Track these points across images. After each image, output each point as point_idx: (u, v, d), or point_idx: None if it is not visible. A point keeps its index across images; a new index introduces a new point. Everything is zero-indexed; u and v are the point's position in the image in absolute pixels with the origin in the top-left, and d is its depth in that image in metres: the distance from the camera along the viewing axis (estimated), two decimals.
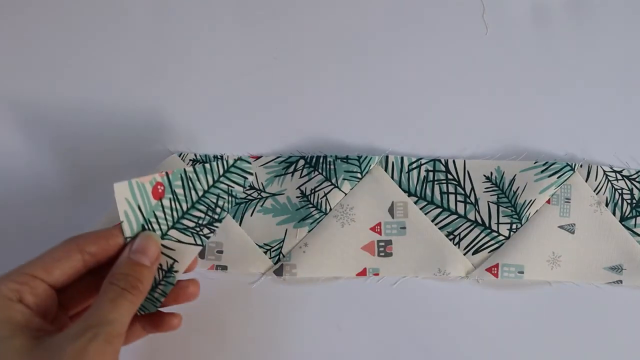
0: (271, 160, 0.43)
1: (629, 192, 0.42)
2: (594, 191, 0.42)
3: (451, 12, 0.45)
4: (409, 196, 0.42)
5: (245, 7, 0.45)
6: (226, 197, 0.36)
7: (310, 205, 0.41)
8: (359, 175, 0.42)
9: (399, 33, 0.45)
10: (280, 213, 0.42)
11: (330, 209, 0.41)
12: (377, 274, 0.41)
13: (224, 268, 0.41)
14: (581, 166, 0.42)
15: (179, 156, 0.42)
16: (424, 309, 0.41)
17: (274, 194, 0.42)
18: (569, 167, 0.42)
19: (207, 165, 0.36)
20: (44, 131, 0.43)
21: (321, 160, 0.42)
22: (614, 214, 0.42)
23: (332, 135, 0.43)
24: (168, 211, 0.35)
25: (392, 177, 0.42)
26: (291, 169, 0.42)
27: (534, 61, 0.44)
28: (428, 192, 0.42)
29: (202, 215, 0.35)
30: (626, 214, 0.42)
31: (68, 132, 0.43)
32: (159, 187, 0.35)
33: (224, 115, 0.44)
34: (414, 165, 0.42)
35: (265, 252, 0.41)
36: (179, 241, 0.35)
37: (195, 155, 0.42)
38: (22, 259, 0.31)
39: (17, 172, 0.42)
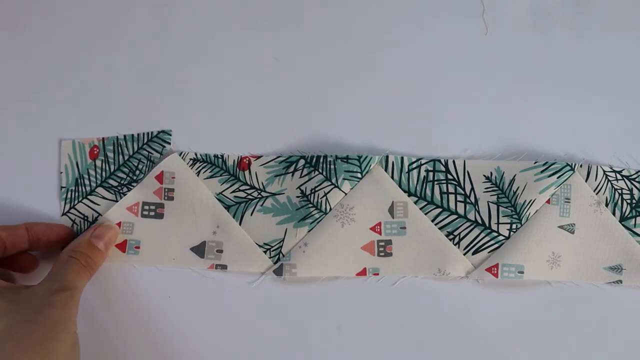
0: (271, 160, 0.43)
1: (628, 192, 0.42)
2: (594, 191, 0.42)
3: (451, 12, 0.45)
4: (409, 196, 0.42)
5: (245, 7, 0.45)
6: (145, 161, 0.42)
7: (310, 205, 0.41)
8: (359, 175, 0.42)
9: (398, 33, 0.45)
10: (280, 213, 0.42)
11: (330, 209, 0.41)
12: (377, 274, 0.41)
13: (224, 267, 0.41)
14: (581, 166, 0.42)
15: (179, 155, 0.42)
16: (424, 309, 0.41)
17: (274, 194, 0.42)
18: (569, 167, 0.42)
19: (135, 135, 0.42)
20: (43, 130, 0.43)
21: (321, 160, 0.42)
22: (614, 214, 0.42)
23: (332, 135, 0.43)
24: (99, 170, 0.42)
25: (392, 177, 0.42)
26: (291, 169, 0.42)
27: (534, 61, 0.44)
28: (428, 192, 0.42)
29: (125, 176, 0.42)
30: (626, 214, 0.42)
31: (68, 132, 0.43)
32: (95, 149, 0.42)
33: (224, 115, 0.44)
34: (414, 165, 0.42)
35: (265, 252, 0.41)
36: (103, 197, 0.42)
37: (196, 155, 0.43)
38: None
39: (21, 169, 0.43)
